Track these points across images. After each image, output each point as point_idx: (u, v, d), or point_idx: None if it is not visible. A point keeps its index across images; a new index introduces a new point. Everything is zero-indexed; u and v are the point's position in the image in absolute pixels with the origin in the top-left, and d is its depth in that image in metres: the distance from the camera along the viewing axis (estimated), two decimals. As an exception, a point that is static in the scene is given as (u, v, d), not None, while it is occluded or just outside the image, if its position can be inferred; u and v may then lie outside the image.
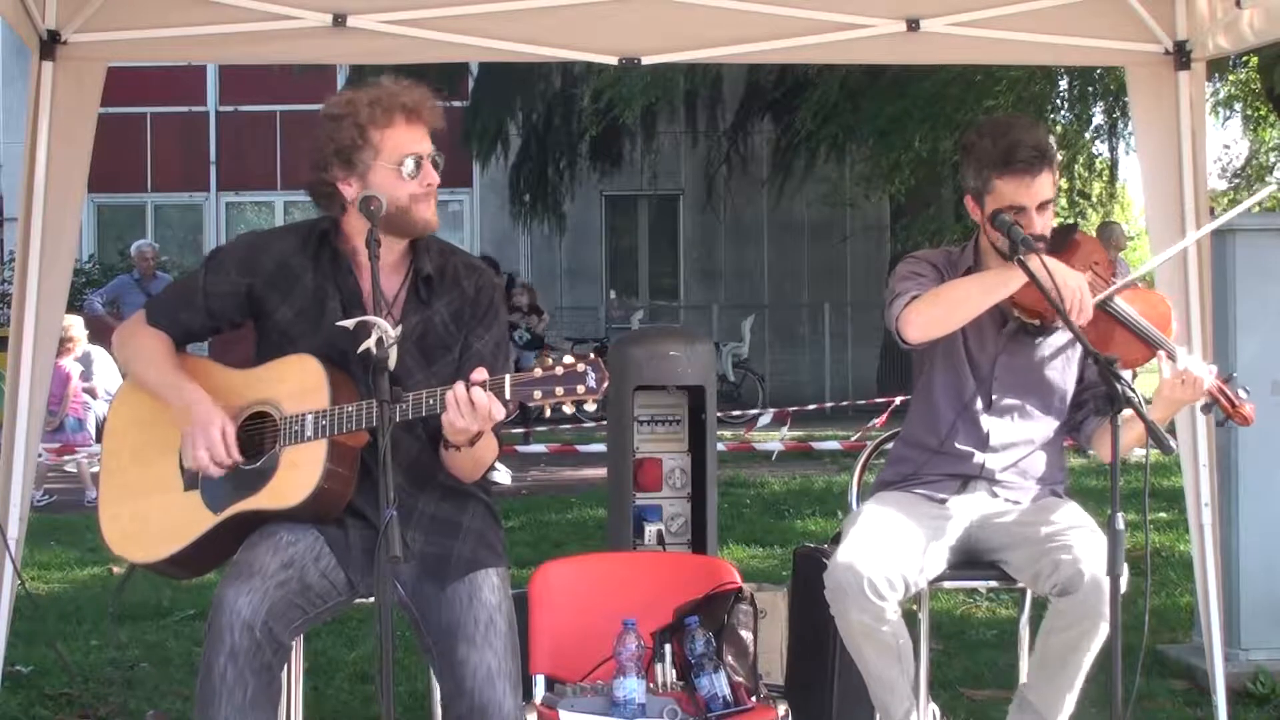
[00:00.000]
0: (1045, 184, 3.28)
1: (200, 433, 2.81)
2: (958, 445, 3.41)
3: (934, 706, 3.42)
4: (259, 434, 2.87)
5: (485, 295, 3.00)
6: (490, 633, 2.76)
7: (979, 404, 3.41)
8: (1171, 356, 3.19)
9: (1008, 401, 3.41)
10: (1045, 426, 3.45)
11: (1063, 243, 3.35)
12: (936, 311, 3.26)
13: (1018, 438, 3.42)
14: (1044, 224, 3.30)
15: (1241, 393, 3.19)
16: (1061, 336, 3.42)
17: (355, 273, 2.94)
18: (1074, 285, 3.13)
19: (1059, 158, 3.34)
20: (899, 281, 3.39)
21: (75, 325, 9.93)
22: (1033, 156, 3.25)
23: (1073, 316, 3.08)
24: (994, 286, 3.25)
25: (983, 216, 3.34)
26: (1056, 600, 3.12)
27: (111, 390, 10.24)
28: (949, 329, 3.30)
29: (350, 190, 2.89)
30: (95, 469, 8.93)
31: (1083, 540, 3.14)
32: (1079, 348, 3.42)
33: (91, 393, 10.33)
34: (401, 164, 2.85)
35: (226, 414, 2.85)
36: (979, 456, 3.40)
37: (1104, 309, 3.24)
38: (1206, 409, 3.22)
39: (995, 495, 3.41)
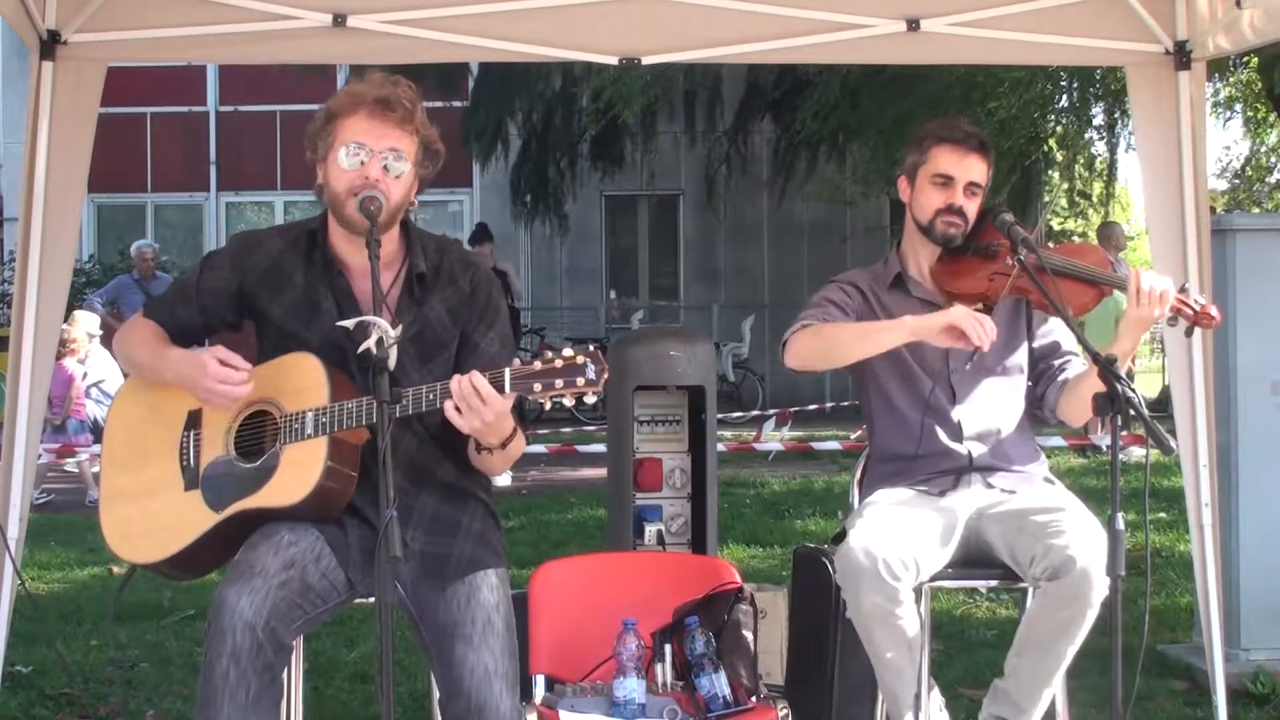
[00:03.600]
0: (976, 166, 3.44)
1: (202, 378, 2.80)
2: (935, 443, 3.43)
3: (939, 696, 3.42)
4: (259, 432, 2.87)
5: (482, 291, 2.99)
6: (488, 633, 2.76)
7: (943, 400, 3.44)
8: (1120, 286, 3.24)
9: (972, 389, 3.45)
10: (1012, 406, 3.49)
11: (980, 226, 3.45)
12: (815, 347, 3.36)
13: (991, 424, 3.46)
14: (970, 209, 3.43)
15: (1200, 298, 3.21)
16: (1002, 310, 3.45)
17: (345, 274, 2.94)
18: (960, 314, 3.17)
19: (992, 161, 3.48)
20: (809, 306, 3.48)
21: (82, 324, 9.90)
22: (971, 135, 3.44)
23: (981, 343, 3.13)
24: (874, 336, 3.33)
25: (912, 193, 3.49)
26: (1045, 585, 3.11)
27: (104, 389, 10.25)
28: (826, 366, 3.44)
29: (320, 174, 2.91)
30: (96, 469, 8.94)
31: (1075, 526, 3.14)
32: (1022, 317, 3.50)
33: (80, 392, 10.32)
34: (341, 150, 2.84)
35: (223, 423, 2.86)
36: (962, 448, 3.42)
37: (1044, 270, 3.27)
38: (1172, 322, 3.23)
39: (991, 487, 3.42)
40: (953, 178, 3.41)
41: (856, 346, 3.35)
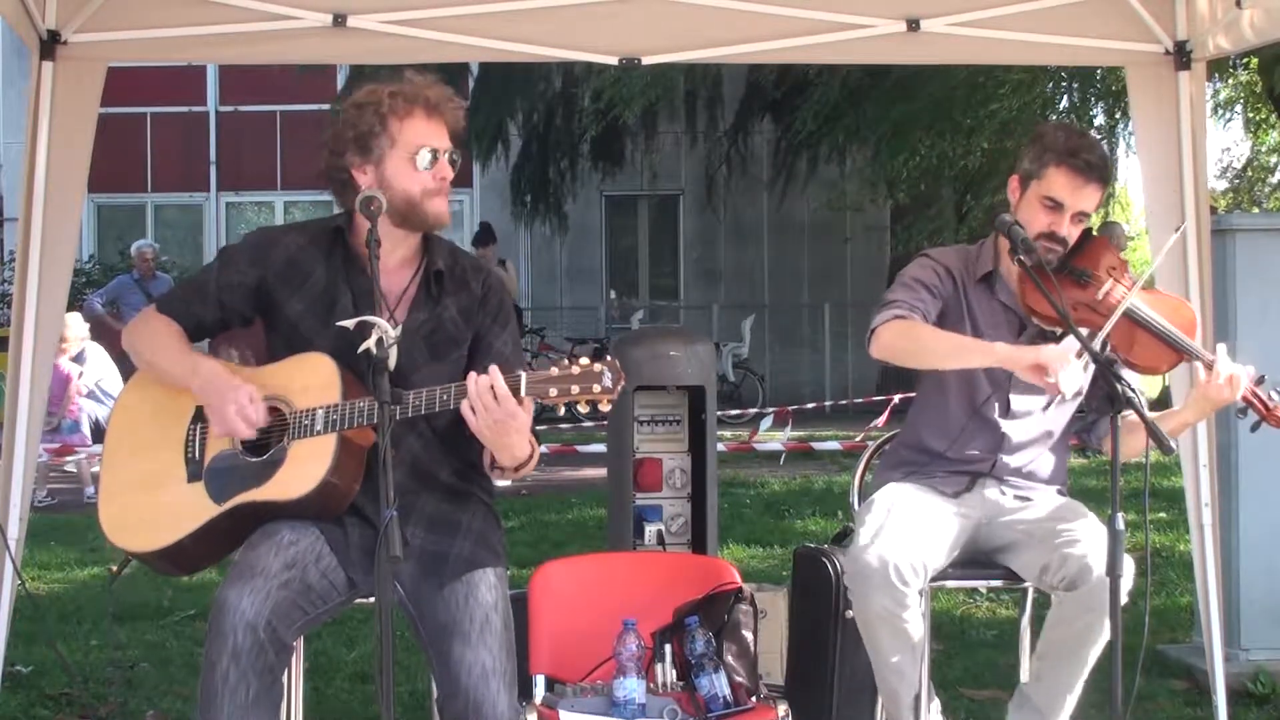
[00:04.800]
0: (1092, 197, 3.28)
1: (229, 398, 2.80)
2: (968, 450, 3.41)
3: (936, 700, 3.42)
4: (268, 428, 2.87)
5: (494, 295, 3.03)
6: (486, 632, 2.76)
7: (995, 409, 3.38)
8: (1203, 360, 3.17)
9: (1026, 406, 3.40)
10: (1060, 430, 3.45)
11: (1080, 248, 3.34)
12: (905, 346, 3.25)
13: (1033, 440, 3.42)
14: (1073, 235, 3.30)
15: (1275, 394, 3.17)
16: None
17: (365, 272, 2.94)
18: (1052, 356, 3.05)
19: (1108, 185, 3.35)
20: (900, 287, 3.37)
21: (73, 325, 9.89)
22: (1096, 162, 3.26)
23: (1062, 390, 3.06)
24: (963, 354, 3.23)
25: (1020, 199, 3.34)
26: (1064, 595, 3.11)
27: (104, 388, 10.23)
28: (910, 365, 3.31)
29: (365, 178, 2.90)
30: (95, 469, 8.94)
31: (1091, 537, 3.14)
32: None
33: (76, 390, 10.30)
34: (416, 155, 2.87)
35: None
36: (989, 458, 3.40)
37: (1128, 314, 3.20)
38: (1242, 413, 3.20)
39: (1004, 493, 3.41)
40: (1063, 205, 3.26)
41: (945, 358, 3.26)
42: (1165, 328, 3.23)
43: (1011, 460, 3.41)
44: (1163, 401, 3.42)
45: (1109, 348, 3.20)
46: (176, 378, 2.94)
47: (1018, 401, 3.40)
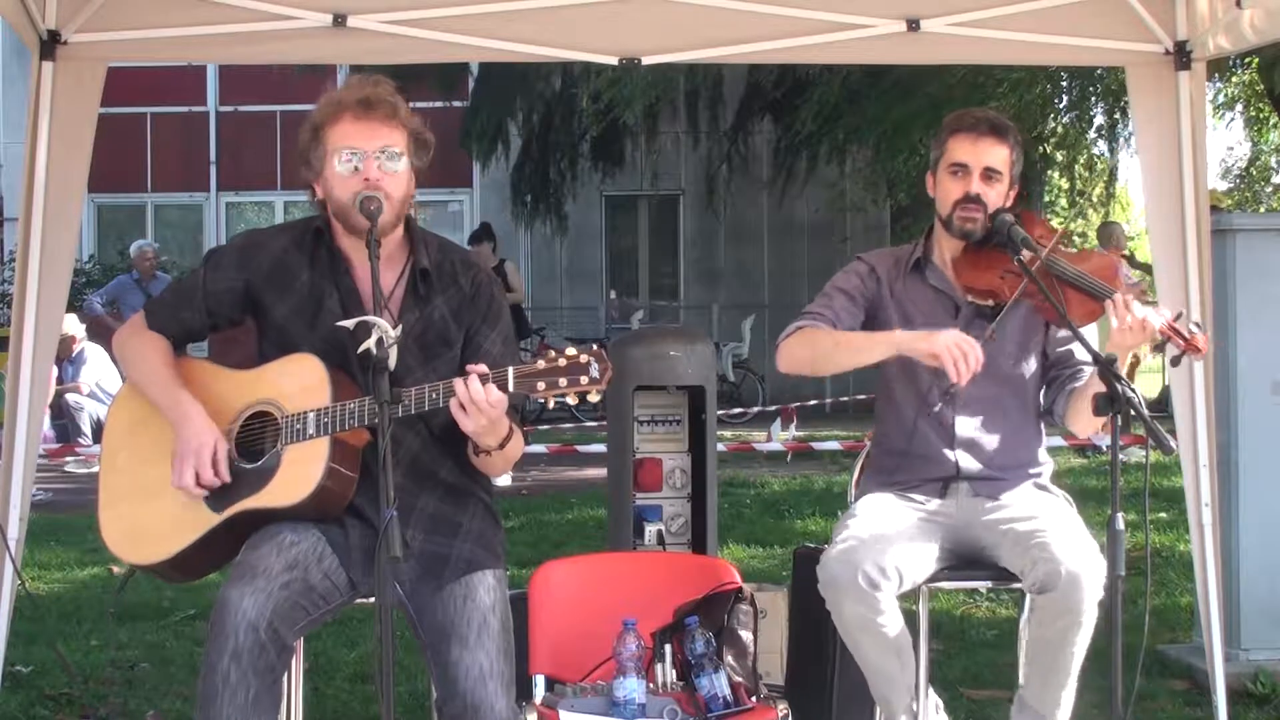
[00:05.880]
0: (993, 153, 3.38)
1: (191, 453, 2.81)
2: (925, 444, 3.41)
3: (936, 698, 3.42)
4: (260, 434, 2.87)
5: (485, 292, 3.00)
6: (484, 634, 2.77)
7: (940, 400, 3.38)
8: (1115, 303, 3.20)
9: (973, 393, 3.36)
10: (1016, 413, 3.44)
11: None
12: (804, 355, 3.33)
13: (987, 429, 3.41)
14: (991, 197, 3.38)
15: (1193, 327, 3.18)
16: (1017, 315, 3.40)
17: (350, 271, 2.94)
18: (945, 344, 3.12)
19: (1016, 145, 3.43)
20: (819, 297, 3.45)
21: (70, 324, 9.91)
22: (982, 121, 3.40)
23: (958, 378, 3.11)
24: (854, 348, 3.30)
25: (934, 184, 3.48)
26: (1036, 598, 3.11)
27: (106, 387, 10.23)
28: (814, 374, 3.39)
29: (319, 190, 2.91)
30: (94, 469, 8.95)
31: (1060, 536, 3.12)
32: (1040, 321, 3.43)
33: (77, 390, 10.33)
34: (335, 159, 2.84)
35: (223, 424, 2.86)
36: (950, 454, 3.39)
37: (1047, 271, 3.27)
38: (1159, 349, 3.21)
39: (977, 495, 3.39)
40: (968, 165, 3.38)
41: (842, 358, 3.32)
42: (1082, 278, 3.27)
43: (973, 457, 3.40)
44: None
45: (1033, 308, 3.33)
46: (151, 398, 2.94)
47: (964, 389, 3.40)
